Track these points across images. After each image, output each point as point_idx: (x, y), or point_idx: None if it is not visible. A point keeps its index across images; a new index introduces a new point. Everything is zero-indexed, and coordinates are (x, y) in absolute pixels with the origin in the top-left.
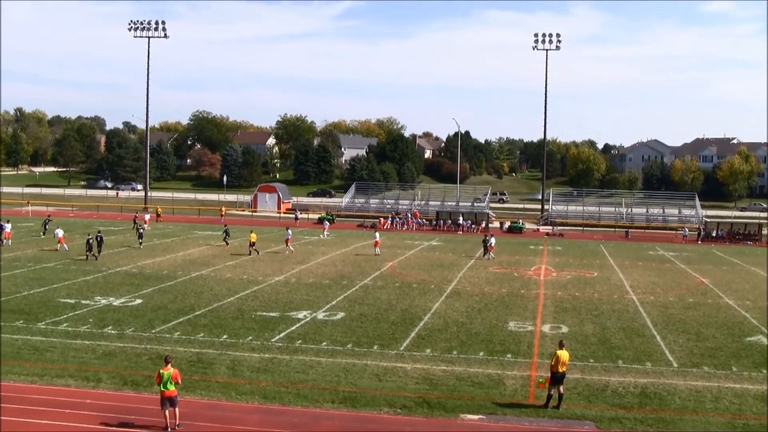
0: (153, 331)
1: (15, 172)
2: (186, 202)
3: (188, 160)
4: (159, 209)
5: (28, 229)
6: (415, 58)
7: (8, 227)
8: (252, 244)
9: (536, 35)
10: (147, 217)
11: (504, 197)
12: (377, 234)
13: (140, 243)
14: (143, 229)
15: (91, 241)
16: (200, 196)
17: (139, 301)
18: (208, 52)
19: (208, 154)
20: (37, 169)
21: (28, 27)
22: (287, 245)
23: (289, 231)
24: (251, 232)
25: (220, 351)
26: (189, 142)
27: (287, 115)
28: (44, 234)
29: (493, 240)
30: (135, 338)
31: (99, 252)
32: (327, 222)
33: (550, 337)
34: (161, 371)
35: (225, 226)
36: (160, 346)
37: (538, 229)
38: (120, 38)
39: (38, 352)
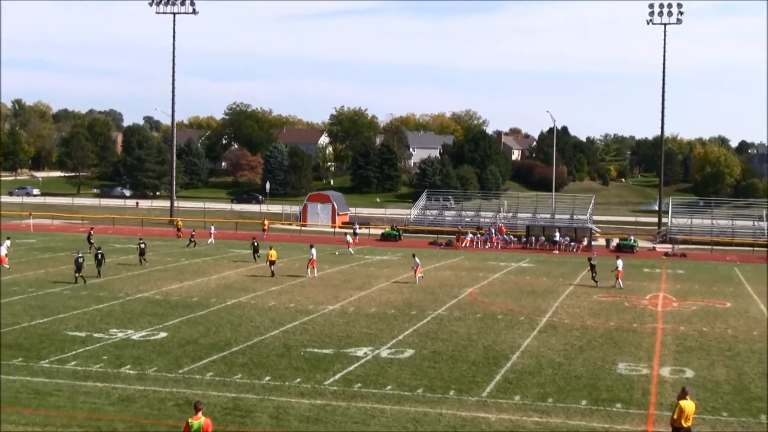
0: (180, 371)
1: (13, 178)
2: (220, 214)
3: (223, 163)
4: (179, 222)
5: (29, 246)
6: (500, 38)
7: (7, 243)
8: (272, 263)
9: (651, 6)
10: (212, 229)
11: (448, 203)
12: (417, 259)
13: (143, 261)
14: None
15: (81, 260)
16: (238, 206)
17: (163, 334)
18: (245, 32)
19: (247, 155)
20: (40, 174)
21: (28, 4)
22: (311, 268)
23: (314, 251)
24: (271, 248)
25: (262, 396)
26: (224, 142)
27: (343, 108)
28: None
29: (620, 263)
30: (158, 380)
31: (99, 273)
32: (350, 236)
33: (670, 383)
34: (190, 421)
35: (253, 239)
36: (189, 390)
37: (654, 248)
38: (140, 14)
39: (41, 396)
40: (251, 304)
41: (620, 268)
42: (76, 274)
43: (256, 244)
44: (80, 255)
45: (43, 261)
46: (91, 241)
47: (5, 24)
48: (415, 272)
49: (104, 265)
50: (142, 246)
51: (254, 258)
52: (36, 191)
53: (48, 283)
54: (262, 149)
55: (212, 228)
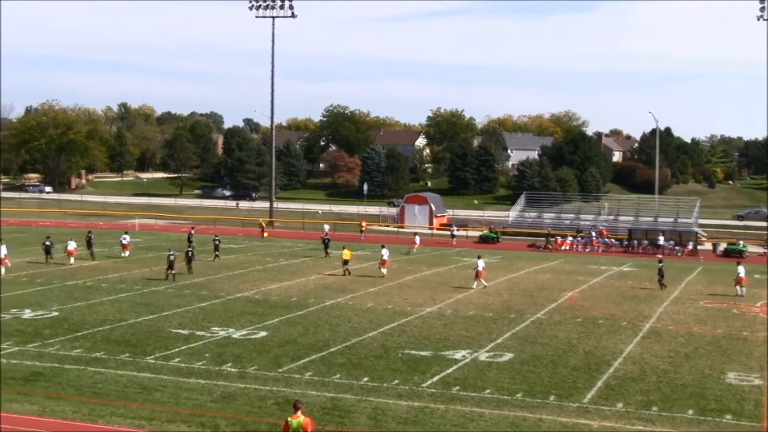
0: (280, 370)
1: (120, 179)
2: (319, 216)
3: (321, 165)
4: (263, 222)
5: (135, 245)
6: (599, 37)
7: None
8: (345, 263)
9: (764, 0)
10: (327, 228)
11: (394, 201)
12: (481, 262)
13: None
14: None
15: (172, 258)
16: (336, 207)
17: (263, 333)
18: (343, 35)
19: (345, 157)
20: (145, 175)
21: (132, 10)
22: (382, 268)
23: (385, 251)
24: (344, 248)
25: (360, 396)
26: (322, 143)
27: (440, 110)
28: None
29: (741, 269)
30: (258, 378)
31: (189, 269)
32: (419, 237)
33: None
34: (289, 419)
35: (325, 235)
36: (289, 389)
37: (765, 253)
38: (240, 19)
39: (146, 391)
40: (349, 305)
41: (742, 275)
42: (168, 271)
43: (327, 240)
44: (172, 253)
45: (148, 260)
46: (191, 240)
47: (113, 28)
48: (477, 276)
49: (194, 262)
50: (217, 243)
51: (326, 253)
52: (48, 189)
53: (153, 281)
54: (359, 151)
55: (326, 227)
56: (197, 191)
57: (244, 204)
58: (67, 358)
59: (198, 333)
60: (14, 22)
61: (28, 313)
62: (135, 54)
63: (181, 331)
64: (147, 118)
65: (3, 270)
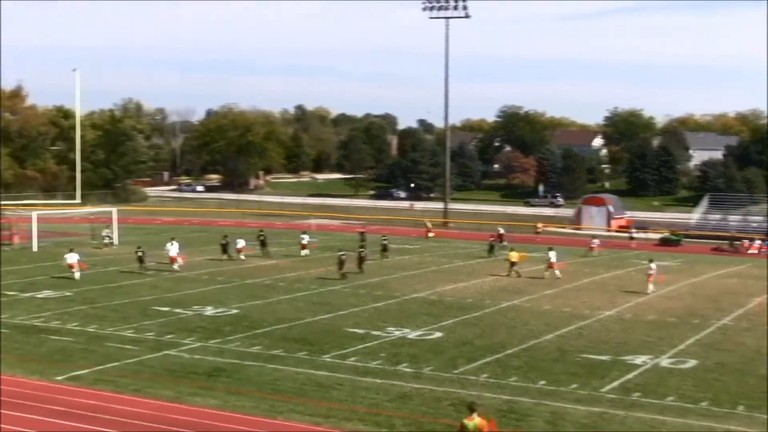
0: (455, 371)
1: (296, 180)
2: (492, 216)
3: (495, 166)
4: (428, 223)
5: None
6: None
7: (306, 238)
8: (512, 264)
9: None
10: (501, 230)
11: (530, 201)
12: (553, 254)
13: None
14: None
15: (343, 257)
16: (510, 209)
17: (438, 334)
18: (516, 34)
19: (520, 157)
20: (320, 176)
21: (306, 15)
22: (550, 271)
23: (553, 253)
24: (511, 249)
25: (537, 400)
26: (496, 144)
27: (618, 109)
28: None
29: None
30: (434, 379)
31: (361, 269)
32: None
33: None
34: (465, 421)
35: (491, 238)
36: (464, 390)
37: None
38: (414, 20)
39: (323, 389)
40: (525, 307)
41: None
42: (339, 271)
43: (497, 243)
44: (343, 253)
45: (324, 260)
46: (363, 240)
47: (289, 33)
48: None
49: (365, 263)
50: (385, 243)
51: (491, 253)
52: (200, 188)
53: (329, 280)
54: (534, 151)
55: (500, 229)
56: (371, 192)
57: (418, 205)
58: (247, 355)
59: (373, 333)
60: (195, 26)
61: (209, 311)
62: (311, 57)
63: (357, 330)
64: (323, 120)
65: (176, 267)
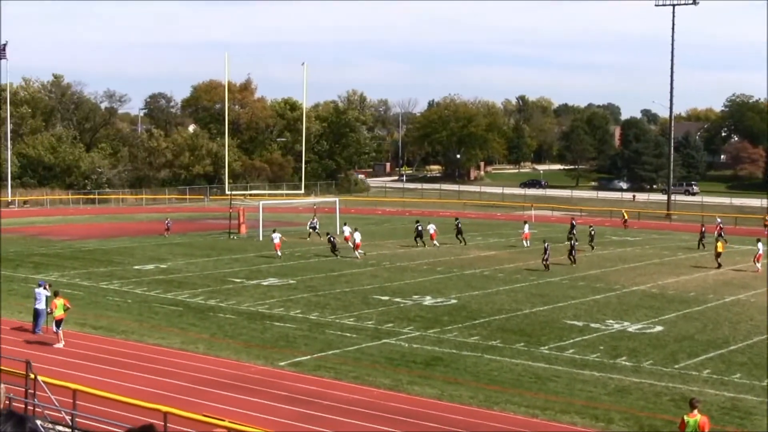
0: (676, 366)
1: (516, 171)
2: (718, 209)
3: (722, 156)
4: (626, 213)
5: (531, 236)
6: None
7: (525, 229)
8: (718, 255)
9: None
10: (719, 220)
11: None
12: (761, 245)
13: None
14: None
15: (548, 247)
16: (738, 200)
17: (659, 328)
18: (746, 20)
19: (748, 148)
20: (541, 167)
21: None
22: (758, 262)
23: (761, 244)
24: (717, 240)
25: (763, 398)
26: (723, 134)
27: None
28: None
29: None
30: (654, 373)
31: (573, 260)
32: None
33: None
34: (686, 417)
35: (705, 229)
36: (685, 386)
37: None
38: (639, 8)
39: (540, 381)
40: (750, 302)
41: None
42: (545, 262)
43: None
44: (547, 244)
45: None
46: (573, 231)
47: (510, 24)
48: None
49: (575, 254)
50: (593, 233)
51: (701, 245)
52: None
53: (547, 272)
54: (764, 141)
55: (718, 220)
56: (593, 183)
57: (640, 196)
58: (464, 345)
59: (592, 325)
60: (418, 20)
61: (428, 300)
62: (533, 48)
63: (575, 322)
64: (544, 111)
65: (357, 254)
